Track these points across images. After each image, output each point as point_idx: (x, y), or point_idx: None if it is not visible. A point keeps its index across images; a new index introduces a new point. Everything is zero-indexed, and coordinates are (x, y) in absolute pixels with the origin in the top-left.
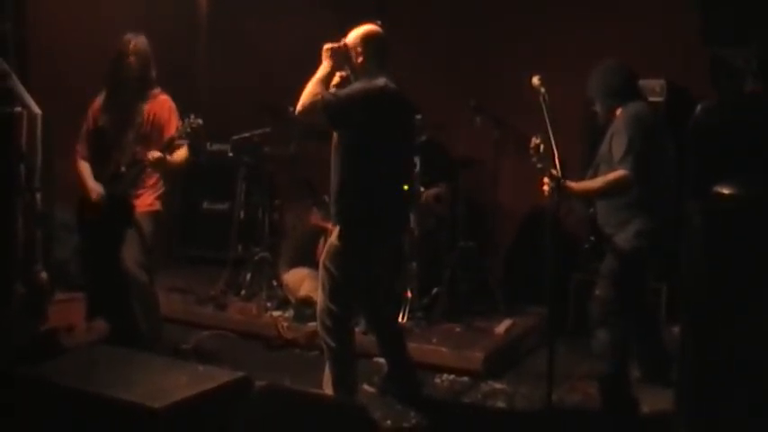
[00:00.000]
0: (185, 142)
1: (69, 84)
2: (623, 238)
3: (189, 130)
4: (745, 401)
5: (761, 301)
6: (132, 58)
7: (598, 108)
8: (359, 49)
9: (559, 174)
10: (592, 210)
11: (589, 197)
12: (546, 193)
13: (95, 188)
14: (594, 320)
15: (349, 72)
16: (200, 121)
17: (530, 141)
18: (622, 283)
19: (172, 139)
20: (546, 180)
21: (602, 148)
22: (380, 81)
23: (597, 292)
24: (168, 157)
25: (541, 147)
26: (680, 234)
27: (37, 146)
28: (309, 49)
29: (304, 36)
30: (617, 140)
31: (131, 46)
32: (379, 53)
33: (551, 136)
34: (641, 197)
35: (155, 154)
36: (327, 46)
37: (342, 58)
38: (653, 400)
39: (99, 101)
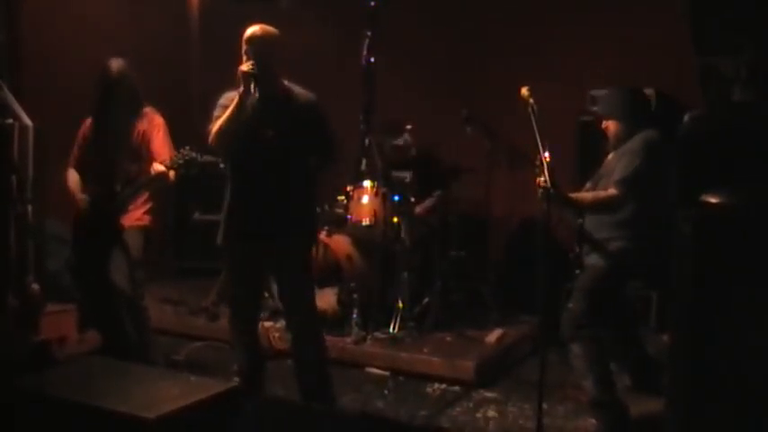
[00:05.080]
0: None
1: (62, 95)
2: (605, 253)
3: (181, 161)
4: (735, 408)
5: (749, 308)
6: (117, 87)
7: (615, 128)
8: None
9: (549, 183)
10: (580, 221)
11: (577, 207)
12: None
13: (82, 198)
14: (567, 334)
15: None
16: (193, 153)
17: (528, 158)
18: (597, 296)
19: (166, 168)
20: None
21: (607, 162)
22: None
23: (570, 304)
24: (170, 174)
25: (543, 162)
26: (669, 244)
27: (28, 158)
28: (303, 59)
29: (297, 47)
30: (625, 161)
31: (114, 74)
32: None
33: (540, 147)
34: (632, 217)
35: (159, 167)
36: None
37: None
38: (643, 408)
39: (88, 123)
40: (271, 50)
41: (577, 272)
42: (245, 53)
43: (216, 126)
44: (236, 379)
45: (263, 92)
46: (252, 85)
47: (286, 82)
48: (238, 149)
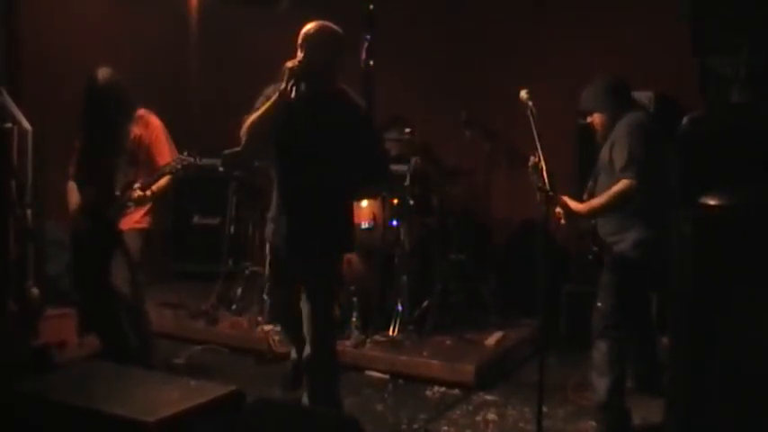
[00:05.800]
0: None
1: (62, 98)
2: (622, 248)
3: (179, 166)
4: (735, 409)
5: (749, 309)
6: (106, 96)
7: (601, 120)
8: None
9: (548, 186)
10: (593, 221)
11: (596, 215)
12: (559, 219)
13: (79, 217)
14: (596, 332)
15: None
16: (191, 158)
17: (527, 159)
18: (623, 293)
19: (160, 175)
20: (559, 211)
21: (601, 156)
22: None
23: (599, 303)
24: (151, 191)
25: (539, 165)
26: (670, 244)
27: (28, 162)
28: None
29: (296, 50)
30: (618, 149)
31: (101, 83)
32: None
33: (539, 149)
34: (640, 205)
35: (137, 193)
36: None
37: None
38: (645, 410)
39: (82, 135)
40: (323, 49)
41: (600, 270)
42: (299, 48)
43: (249, 119)
44: (294, 358)
45: (312, 90)
46: (291, 83)
47: (344, 87)
48: (280, 148)
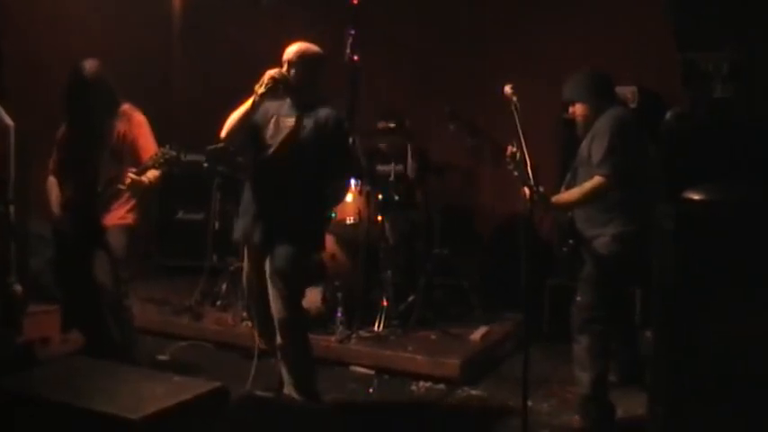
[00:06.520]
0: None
1: (45, 96)
2: (602, 242)
3: (162, 160)
4: (717, 403)
5: (731, 305)
6: (92, 89)
7: (583, 111)
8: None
9: (532, 181)
10: (570, 213)
11: (568, 209)
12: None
13: (59, 213)
14: (576, 326)
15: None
16: (173, 152)
17: (505, 149)
18: (602, 287)
19: (145, 168)
20: (526, 191)
21: (581, 150)
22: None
23: (578, 297)
24: (147, 179)
25: (517, 155)
26: (653, 238)
27: (9, 158)
28: None
29: (279, 45)
30: (597, 144)
31: (88, 75)
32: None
33: (523, 144)
34: (620, 201)
35: (130, 177)
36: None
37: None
38: (628, 404)
39: (64, 129)
40: (305, 72)
41: (580, 263)
42: (283, 64)
43: (229, 118)
44: None
45: (295, 102)
46: (268, 90)
47: (323, 99)
48: (259, 155)
